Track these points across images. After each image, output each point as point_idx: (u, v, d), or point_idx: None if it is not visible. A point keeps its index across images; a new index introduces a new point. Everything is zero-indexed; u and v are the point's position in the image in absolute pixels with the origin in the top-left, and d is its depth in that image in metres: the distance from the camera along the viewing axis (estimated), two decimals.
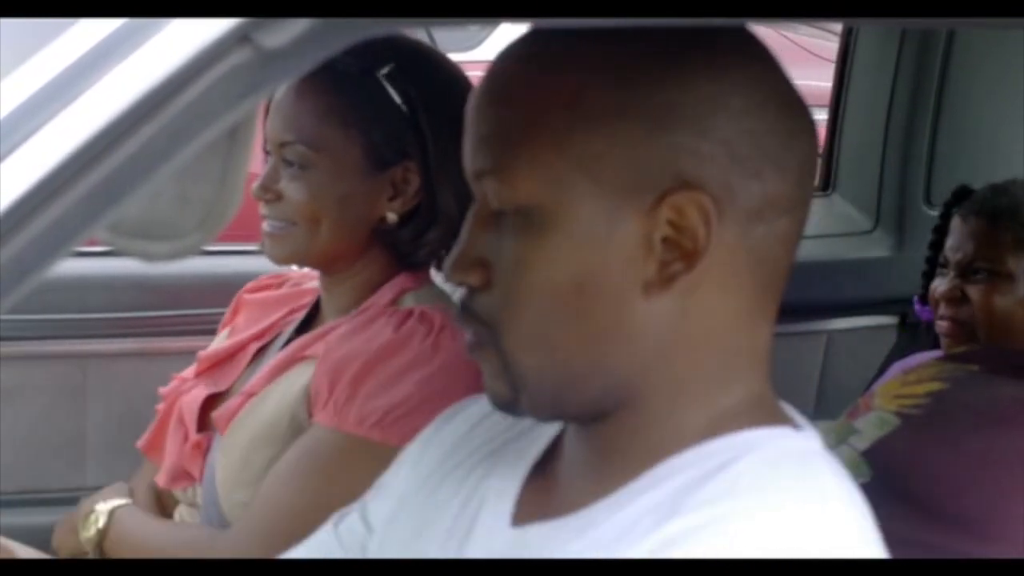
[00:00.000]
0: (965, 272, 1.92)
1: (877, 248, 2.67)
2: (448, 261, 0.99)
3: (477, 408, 1.14)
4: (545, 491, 1.02)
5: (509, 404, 0.99)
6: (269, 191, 1.63)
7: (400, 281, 1.67)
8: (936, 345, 2.02)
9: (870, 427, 1.81)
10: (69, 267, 2.17)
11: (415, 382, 1.55)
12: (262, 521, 1.54)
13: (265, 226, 1.65)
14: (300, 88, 1.62)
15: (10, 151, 0.71)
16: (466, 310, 0.98)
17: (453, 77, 1.67)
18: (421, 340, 1.58)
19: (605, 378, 0.96)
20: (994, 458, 1.68)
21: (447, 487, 1.08)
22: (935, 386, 1.82)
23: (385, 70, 1.62)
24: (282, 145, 1.63)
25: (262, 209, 1.64)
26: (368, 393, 1.55)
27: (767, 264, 0.96)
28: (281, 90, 1.63)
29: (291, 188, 1.62)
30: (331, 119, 1.62)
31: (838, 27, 2.82)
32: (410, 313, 1.61)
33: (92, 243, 0.93)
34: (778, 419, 0.98)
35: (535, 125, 0.94)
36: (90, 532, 1.68)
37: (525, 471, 1.04)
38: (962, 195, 2.02)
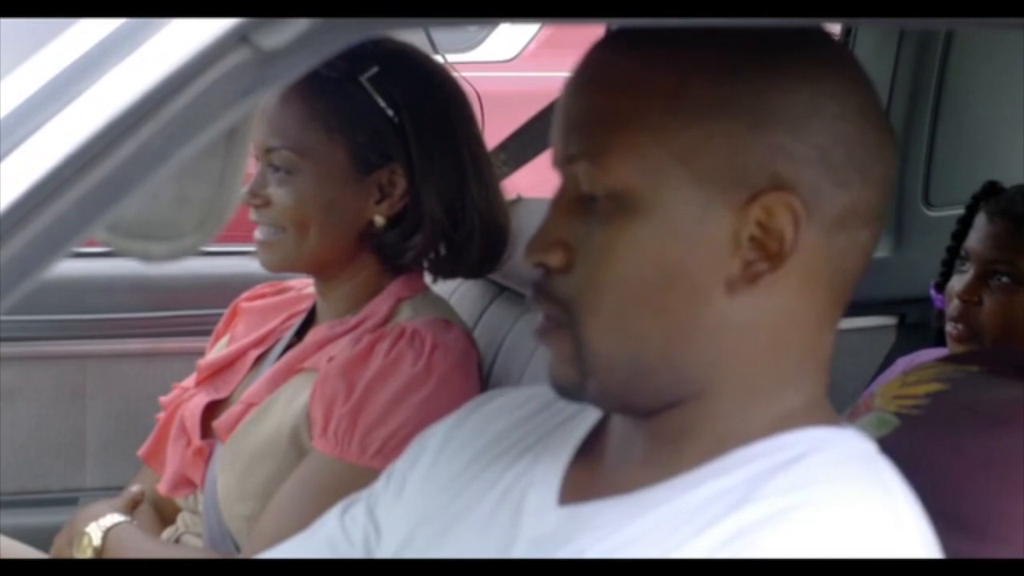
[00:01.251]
0: (985, 273, 1.91)
1: (876, 248, 2.66)
2: (529, 241, 0.98)
3: (504, 401, 1.14)
4: (593, 473, 1.02)
5: (574, 389, 0.98)
6: (257, 196, 1.63)
7: (395, 289, 1.67)
8: (940, 340, 2.02)
9: (870, 428, 1.80)
10: (69, 267, 2.17)
11: (413, 406, 1.55)
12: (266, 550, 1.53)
13: (257, 233, 1.66)
14: (284, 93, 1.62)
15: (10, 151, 0.71)
16: (541, 291, 0.98)
17: (438, 79, 1.67)
18: (413, 363, 1.58)
19: (676, 371, 0.96)
20: (994, 459, 1.68)
21: (483, 479, 1.07)
22: (935, 387, 1.81)
23: (368, 74, 1.62)
24: (268, 151, 1.63)
25: (252, 215, 1.65)
26: (367, 422, 1.55)
27: (842, 273, 0.98)
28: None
29: (278, 193, 1.63)
30: (315, 124, 1.62)
31: (837, 27, 2.82)
32: (401, 333, 1.61)
33: (92, 243, 0.93)
34: (836, 422, 1.00)
35: (634, 112, 0.94)
36: (86, 555, 1.66)
37: (569, 455, 1.04)
38: (991, 191, 2.00)
